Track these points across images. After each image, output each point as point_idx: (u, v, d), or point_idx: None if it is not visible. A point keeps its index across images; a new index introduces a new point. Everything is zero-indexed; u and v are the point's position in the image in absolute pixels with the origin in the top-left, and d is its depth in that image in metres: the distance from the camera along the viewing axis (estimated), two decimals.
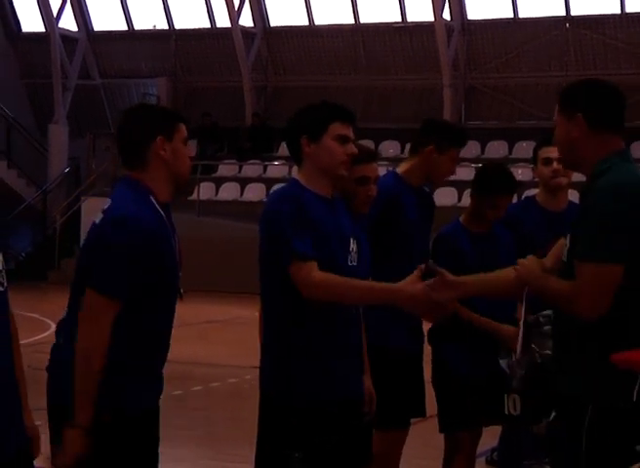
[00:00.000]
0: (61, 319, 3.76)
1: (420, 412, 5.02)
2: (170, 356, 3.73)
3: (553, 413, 3.62)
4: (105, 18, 25.06)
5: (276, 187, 4.24)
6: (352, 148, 3.93)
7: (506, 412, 4.84)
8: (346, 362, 3.90)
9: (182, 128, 3.77)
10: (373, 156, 4.65)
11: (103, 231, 3.59)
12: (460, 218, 5.32)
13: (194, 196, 21.25)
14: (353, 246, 3.94)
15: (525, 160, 16.75)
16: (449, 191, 19.76)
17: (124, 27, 24.88)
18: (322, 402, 3.82)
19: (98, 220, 3.63)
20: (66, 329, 3.68)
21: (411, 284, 3.73)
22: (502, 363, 4.80)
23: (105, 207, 3.67)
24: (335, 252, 3.84)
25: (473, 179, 5.21)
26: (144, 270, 3.58)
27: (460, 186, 19.06)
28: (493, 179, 5.15)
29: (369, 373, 4.17)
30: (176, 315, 3.73)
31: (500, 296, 4.42)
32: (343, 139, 3.91)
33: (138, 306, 3.61)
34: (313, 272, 3.75)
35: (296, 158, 3.98)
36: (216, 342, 13.17)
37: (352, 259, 3.92)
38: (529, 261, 3.66)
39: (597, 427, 3.45)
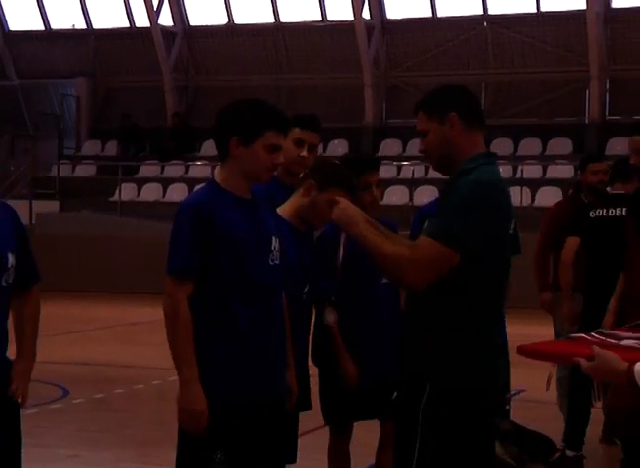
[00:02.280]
0: None
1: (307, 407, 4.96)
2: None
3: (396, 393, 3.74)
4: (21, 17, 24.71)
5: (198, 188, 4.20)
6: (280, 158, 3.95)
7: None
8: (266, 359, 3.89)
9: None
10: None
11: None
12: None
13: (116, 197, 21.06)
14: (275, 244, 3.96)
15: None
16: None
17: (41, 27, 24.56)
18: (241, 400, 3.81)
19: None
20: None
21: None
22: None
23: None
24: (249, 254, 3.85)
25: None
26: None
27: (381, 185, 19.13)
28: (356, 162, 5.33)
29: (292, 369, 4.17)
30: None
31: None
32: (274, 148, 3.92)
33: None
34: (179, 294, 3.78)
35: (221, 154, 3.98)
36: (140, 344, 13.04)
37: (274, 258, 3.95)
38: (346, 204, 3.72)
39: (433, 406, 3.58)
